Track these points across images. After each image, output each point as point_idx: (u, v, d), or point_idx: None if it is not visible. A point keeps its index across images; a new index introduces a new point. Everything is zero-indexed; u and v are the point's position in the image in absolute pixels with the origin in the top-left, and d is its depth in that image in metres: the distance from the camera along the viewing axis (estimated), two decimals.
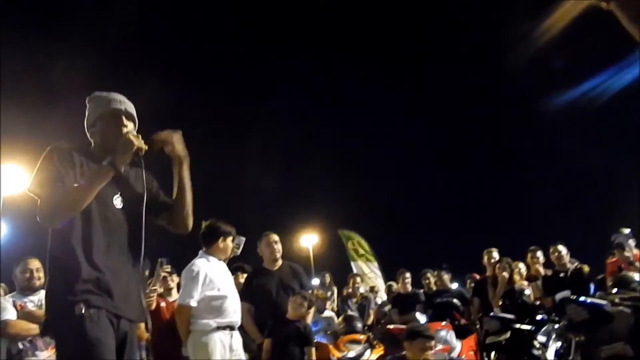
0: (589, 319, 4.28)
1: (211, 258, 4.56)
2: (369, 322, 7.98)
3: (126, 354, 2.36)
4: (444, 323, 6.03)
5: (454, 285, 8.92)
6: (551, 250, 6.72)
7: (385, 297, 9.63)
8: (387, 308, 8.12)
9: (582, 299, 4.52)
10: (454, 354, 5.50)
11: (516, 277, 6.47)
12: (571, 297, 4.63)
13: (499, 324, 5.37)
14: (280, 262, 5.21)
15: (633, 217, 8.68)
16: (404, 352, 4.69)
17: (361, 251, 16.01)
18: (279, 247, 5.21)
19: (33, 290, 4.32)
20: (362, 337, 6.41)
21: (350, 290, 9.42)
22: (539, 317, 5.57)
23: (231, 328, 4.40)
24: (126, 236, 2.43)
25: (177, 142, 2.54)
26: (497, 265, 6.54)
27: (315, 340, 5.07)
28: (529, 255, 7.03)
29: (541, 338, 5.35)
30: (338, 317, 7.52)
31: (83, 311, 2.18)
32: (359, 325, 6.78)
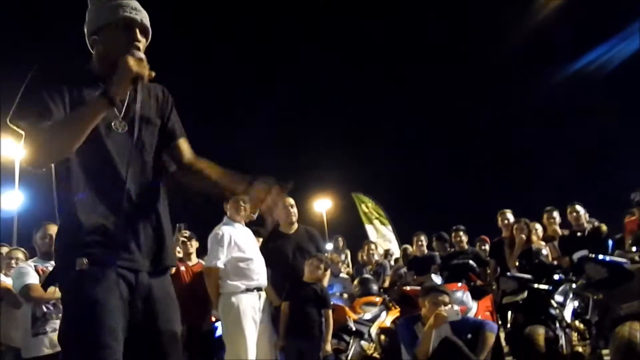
0: (608, 277, 4.24)
1: (236, 224, 4.68)
2: (385, 285, 8.01)
3: (160, 315, 1.98)
4: (459, 284, 6.03)
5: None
6: (569, 210, 6.68)
7: (400, 262, 9.64)
8: (402, 270, 8.13)
9: (600, 257, 4.47)
10: (470, 315, 5.50)
11: (533, 237, 6.44)
12: (590, 255, 4.59)
13: (516, 284, 5.35)
14: (296, 225, 5.23)
15: None
16: (419, 313, 4.73)
17: (375, 214, 16.01)
18: (294, 210, 5.23)
19: (53, 255, 4.36)
20: (377, 299, 6.44)
21: (365, 257, 9.45)
22: (556, 277, 5.55)
23: (258, 289, 4.52)
24: (139, 167, 2.03)
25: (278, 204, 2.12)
26: (515, 226, 6.49)
27: (331, 303, 5.11)
28: (545, 216, 7.00)
29: (558, 298, 5.33)
30: (353, 282, 7.56)
31: (84, 267, 1.85)
32: (375, 287, 6.80)
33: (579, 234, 6.47)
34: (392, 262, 9.93)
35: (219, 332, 5.21)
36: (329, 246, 13.01)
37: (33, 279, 4.24)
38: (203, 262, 5.21)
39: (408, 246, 9.70)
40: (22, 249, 5.34)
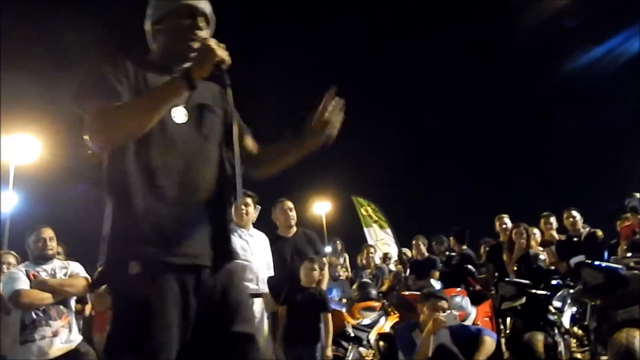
0: (605, 282, 4.25)
1: (240, 230, 4.68)
2: (384, 289, 8.02)
3: (238, 317, 1.86)
4: (458, 289, 6.04)
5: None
6: (565, 215, 6.75)
7: (400, 267, 9.64)
8: (402, 275, 8.13)
9: (597, 262, 4.49)
10: (469, 321, 5.50)
11: (532, 242, 6.46)
12: (586, 261, 4.61)
13: (515, 289, 5.35)
14: (294, 228, 5.25)
15: None
16: (417, 320, 4.73)
17: (375, 217, 15.97)
18: (293, 214, 5.25)
19: (46, 259, 4.26)
20: (376, 304, 6.44)
21: (364, 261, 9.44)
22: (554, 282, 5.56)
23: (253, 296, 4.50)
24: (202, 158, 1.93)
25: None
26: (514, 231, 6.52)
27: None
28: (543, 221, 7.11)
29: (556, 303, 5.34)
30: (351, 286, 7.55)
31: (138, 270, 1.72)
32: (374, 292, 6.80)
33: (575, 239, 6.53)
34: (392, 266, 9.92)
35: None
36: (328, 249, 13.00)
37: (24, 284, 4.06)
38: None
39: (406, 250, 9.70)
40: (14, 253, 5.19)
